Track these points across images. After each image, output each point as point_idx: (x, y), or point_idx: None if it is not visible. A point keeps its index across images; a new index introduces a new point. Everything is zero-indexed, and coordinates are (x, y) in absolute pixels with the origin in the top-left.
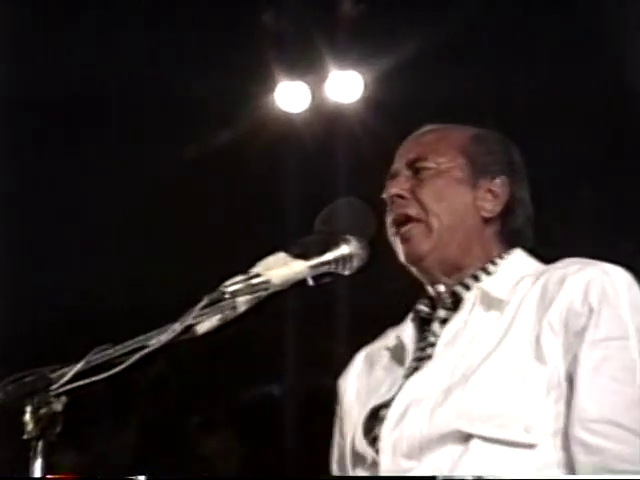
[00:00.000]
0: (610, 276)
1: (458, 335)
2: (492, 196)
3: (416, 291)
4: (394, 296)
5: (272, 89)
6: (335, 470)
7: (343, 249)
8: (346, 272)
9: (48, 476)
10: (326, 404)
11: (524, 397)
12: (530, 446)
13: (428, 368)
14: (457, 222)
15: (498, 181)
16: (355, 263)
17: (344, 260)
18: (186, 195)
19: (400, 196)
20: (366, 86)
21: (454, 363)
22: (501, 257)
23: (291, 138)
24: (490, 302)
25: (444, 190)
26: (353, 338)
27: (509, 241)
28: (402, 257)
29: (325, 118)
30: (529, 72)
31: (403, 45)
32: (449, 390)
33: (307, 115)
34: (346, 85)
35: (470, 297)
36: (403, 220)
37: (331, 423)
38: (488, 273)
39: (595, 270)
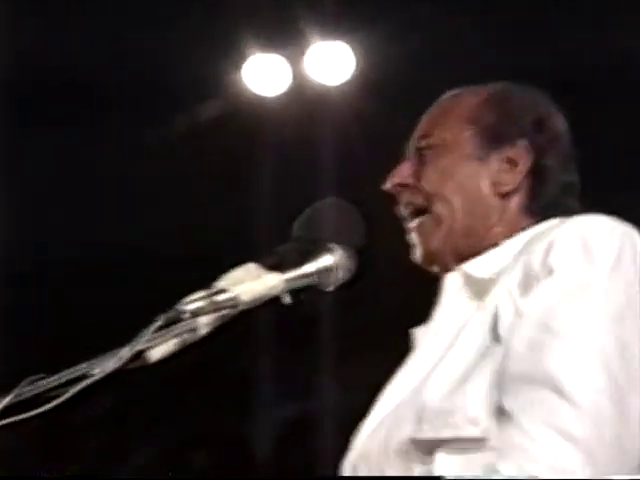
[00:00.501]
0: (584, 230)
1: (436, 327)
2: (511, 166)
3: (417, 303)
4: (391, 313)
5: (241, 64)
6: None
7: (326, 259)
8: (330, 287)
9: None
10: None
11: (472, 389)
12: (480, 440)
13: (406, 368)
14: (470, 204)
15: (517, 147)
16: (340, 276)
17: (327, 272)
18: (144, 181)
19: (403, 185)
20: (357, 62)
21: (424, 361)
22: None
23: (265, 126)
24: (473, 284)
25: (450, 169)
26: (340, 365)
27: (541, 215)
28: (416, 257)
29: (306, 101)
30: (534, 44)
31: (402, 11)
32: (411, 394)
33: (284, 98)
34: (332, 60)
35: (452, 282)
36: (412, 212)
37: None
38: None
39: (570, 224)
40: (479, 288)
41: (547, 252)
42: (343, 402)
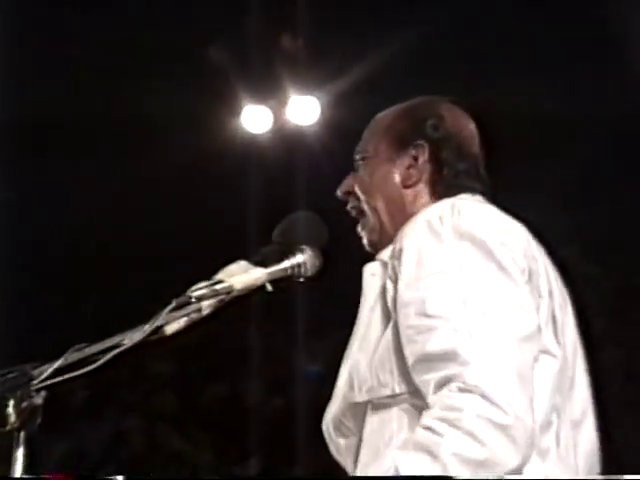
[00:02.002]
0: (432, 210)
1: (363, 306)
2: (414, 162)
3: None
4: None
5: (238, 112)
6: None
7: (298, 257)
8: (301, 279)
9: (46, 476)
10: None
11: (379, 357)
12: (393, 396)
13: (351, 340)
14: (389, 199)
15: (417, 146)
16: (309, 270)
17: (299, 267)
18: (156, 208)
19: (347, 192)
20: (322, 110)
21: (355, 335)
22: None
23: (255, 156)
24: (383, 267)
25: (373, 174)
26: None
27: (443, 196)
28: (367, 245)
29: (286, 139)
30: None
31: (357, 69)
32: (348, 365)
33: (269, 136)
34: (305, 109)
35: (368, 269)
36: (357, 213)
37: None
38: None
39: (427, 209)
40: (387, 269)
41: (402, 233)
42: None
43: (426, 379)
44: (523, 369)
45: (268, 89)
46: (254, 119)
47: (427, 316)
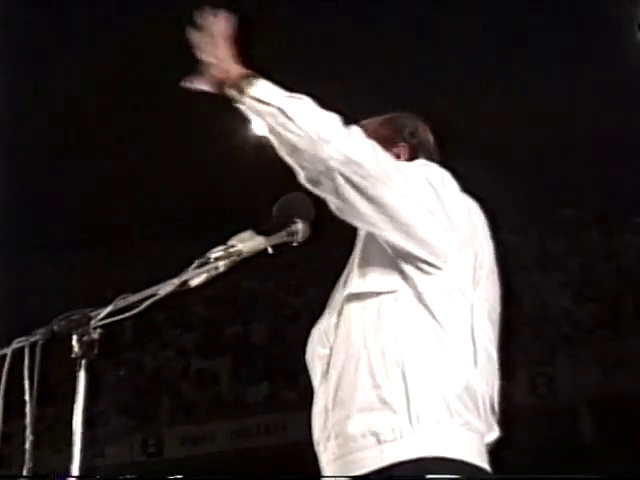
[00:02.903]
0: None
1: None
2: (397, 157)
3: None
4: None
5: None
6: None
7: (293, 228)
8: (294, 243)
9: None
10: None
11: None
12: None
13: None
14: None
15: (400, 147)
16: (300, 237)
17: (293, 235)
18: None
19: None
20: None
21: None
22: None
23: (262, 153)
24: None
25: None
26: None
27: None
28: None
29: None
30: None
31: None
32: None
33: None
34: None
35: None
36: None
37: None
38: None
39: None
40: None
41: None
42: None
43: None
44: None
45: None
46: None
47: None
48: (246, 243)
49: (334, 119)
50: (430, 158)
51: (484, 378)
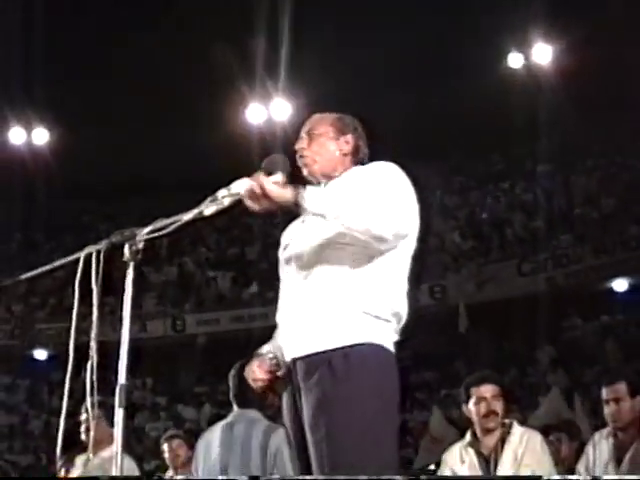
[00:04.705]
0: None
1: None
2: (346, 143)
3: None
4: None
5: (243, 109)
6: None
7: (275, 177)
8: None
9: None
10: None
11: None
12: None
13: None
14: (329, 156)
15: (349, 136)
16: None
17: (275, 183)
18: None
19: (302, 148)
20: (295, 109)
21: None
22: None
23: (252, 137)
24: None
25: (322, 143)
26: None
27: (359, 163)
28: (306, 174)
29: (274, 126)
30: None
31: (326, 79)
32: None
33: (263, 125)
34: (284, 109)
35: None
36: (304, 162)
37: None
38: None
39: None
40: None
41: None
42: None
43: None
44: None
45: (265, 91)
46: (252, 113)
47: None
48: (242, 187)
49: (361, 204)
50: (365, 146)
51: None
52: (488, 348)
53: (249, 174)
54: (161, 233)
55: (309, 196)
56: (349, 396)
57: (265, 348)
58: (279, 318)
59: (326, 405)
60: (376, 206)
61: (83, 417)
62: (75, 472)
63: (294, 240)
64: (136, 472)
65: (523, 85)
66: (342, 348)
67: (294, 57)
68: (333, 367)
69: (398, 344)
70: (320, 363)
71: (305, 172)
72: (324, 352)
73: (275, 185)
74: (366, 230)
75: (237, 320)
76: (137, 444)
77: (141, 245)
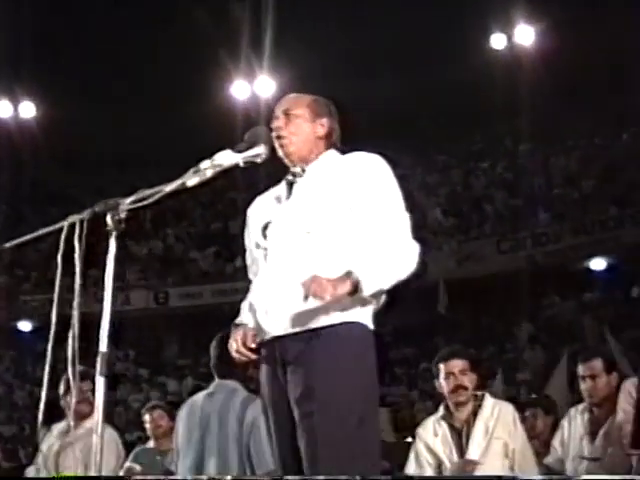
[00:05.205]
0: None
1: (301, 188)
2: (321, 126)
3: None
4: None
5: (229, 85)
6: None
7: (257, 149)
8: (258, 160)
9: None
10: None
11: None
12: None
13: (289, 202)
14: (304, 139)
15: (325, 119)
16: (263, 157)
17: (257, 155)
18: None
19: (278, 127)
20: (279, 87)
21: (302, 200)
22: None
23: (237, 111)
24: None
25: (299, 124)
26: None
27: (332, 147)
28: (281, 154)
29: (257, 101)
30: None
31: (310, 57)
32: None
33: (247, 101)
34: (267, 85)
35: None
36: (280, 142)
37: None
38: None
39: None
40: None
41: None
42: None
43: None
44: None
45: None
46: (237, 89)
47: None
48: (225, 158)
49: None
50: (338, 129)
51: None
52: (467, 324)
53: (232, 147)
54: (144, 203)
55: (364, 283)
56: (338, 369)
57: (242, 319)
58: (257, 296)
59: (316, 379)
60: (402, 243)
61: (62, 388)
62: (49, 439)
63: (277, 222)
64: (118, 442)
65: (505, 66)
66: (331, 326)
67: (279, 35)
68: (322, 343)
69: (378, 320)
70: (309, 340)
71: (280, 152)
72: (313, 330)
73: (334, 285)
74: (412, 267)
75: (220, 294)
76: (119, 416)
77: (124, 215)
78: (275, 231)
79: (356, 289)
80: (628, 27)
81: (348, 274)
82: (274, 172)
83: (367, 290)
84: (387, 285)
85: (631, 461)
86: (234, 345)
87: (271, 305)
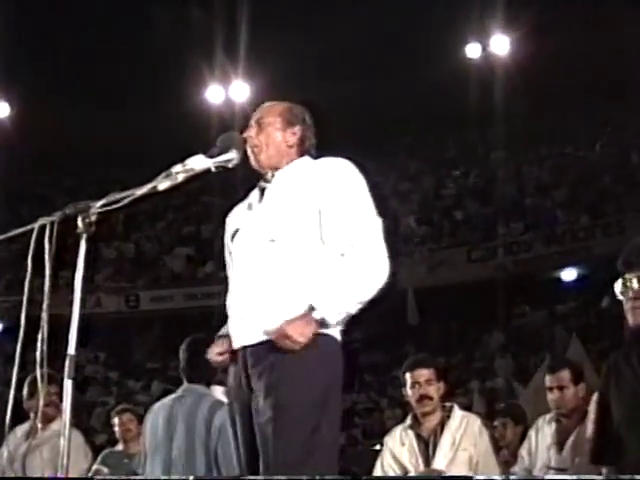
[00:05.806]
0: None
1: (270, 194)
2: (292, 135)
3: None
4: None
5: (204, 90)
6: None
7: (229, 155)
8: (230, 165)
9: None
10: None
11: None
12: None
13: (258, 208)
14: (275, 147)
15: (296, 127)
16: (235, 162)
17: (229, 160)
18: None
19: (250, 137)
20: (253, 92)
21: (268, 207)
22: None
23: (212, 115)
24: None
25: (270, 133)
26: None
27: (304, 155)
28: (253, 162)
29: (232, 106)
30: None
31: (284, 62)
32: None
33: (222, 105)
34: (242, 90)
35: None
36: (252, 150)
37: None
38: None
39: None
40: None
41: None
42: None
43: None
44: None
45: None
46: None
47: None
48: (197, 163)
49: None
50: (312, 137)
51: None
52: (437, 332)
53: (206, 151)
54: (115, 206)
55: (329, 316)
56: (297, 377)
57: (224, 331)
58: (229, 305)
59: (276, 386)
60: (370, 256)
61: (25, 390)
62: (15, 440)
63: (244, 229)
64: (83, 445)
65: (479, 74)
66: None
67: (253, 41)
68: (283, 354)
69: (348, 327)
70: (270, 350)
71: (252, 160)
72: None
73: (301, 334)
74: (380, 283)
75: (191, 297)
76: (88, 418)
77: (94, 217)
78: (241, 239)
79: (322, 323)
80: (601, 39)
81: (311, 310)
82: (249, 176)
83: (333, 320)
84: (354, 309)
85: (598, 472)
86: (212, 356)
87: (236, 314)
